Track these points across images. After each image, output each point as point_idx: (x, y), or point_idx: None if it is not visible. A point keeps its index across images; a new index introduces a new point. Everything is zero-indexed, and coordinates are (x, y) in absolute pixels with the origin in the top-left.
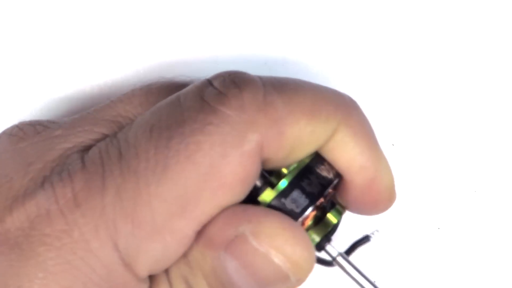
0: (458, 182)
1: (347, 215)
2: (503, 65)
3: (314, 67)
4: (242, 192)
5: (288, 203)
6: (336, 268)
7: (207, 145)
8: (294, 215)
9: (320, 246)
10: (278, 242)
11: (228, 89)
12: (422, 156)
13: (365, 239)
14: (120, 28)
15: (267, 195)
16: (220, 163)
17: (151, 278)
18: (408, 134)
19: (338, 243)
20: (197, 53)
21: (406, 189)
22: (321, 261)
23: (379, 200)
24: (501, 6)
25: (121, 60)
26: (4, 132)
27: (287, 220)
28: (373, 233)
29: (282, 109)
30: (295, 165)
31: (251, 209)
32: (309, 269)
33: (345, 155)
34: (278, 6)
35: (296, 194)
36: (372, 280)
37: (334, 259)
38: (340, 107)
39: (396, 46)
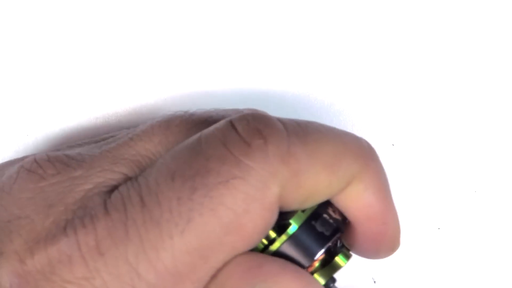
0: (458, 182)
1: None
2: (503, 65)
3: (314, 67)
4: (258, 240)
5: (298, 248)
6: None
7: (231, 199)
8: (307, 259)
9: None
10: None
11: (252, 138)
12: (422, 156)
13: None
14: (130, 57)
15: (278, 241)
16: (243, 217)
17: None
18: (408, 134)
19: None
20: (212, 86)
21: (406, 189)
22: None
23: (382, 248)
24: (501, 6)
25: (136, 89)
26: (23, 167)
27: (304, 279)
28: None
29: (304, 161)
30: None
31: (267, 265)
32: None
33: (356, 204)
34: (281, 15)
35: (307, 238)
36: None
37: None
38: (359, 159)
39: (396, 46)
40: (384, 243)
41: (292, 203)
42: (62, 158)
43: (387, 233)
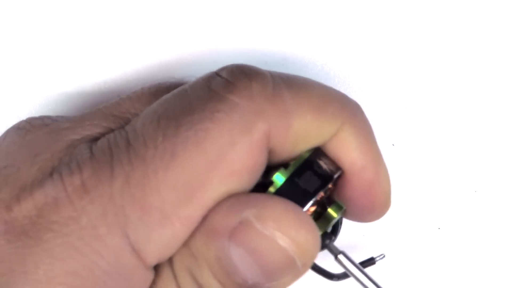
0: (458, 182)
1: (350, 226)
2: (503, 65)
3: (314, 67)
4: (249, 180)
5: (290, 194)
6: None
7: (216, 132)
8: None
9: (321, 243)
10: (283, 225)
11: (237, 78)
12: (422, 156)
13: (370, 261)
14: (128, 27)
15: (270, 188)
16: (228, 151)
17: (156, 271)
18: (408, 134)
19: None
20: (206, 54)
21: (406, 189)
22: (322, 272)
23: (376, 204)
24: (501, 6)
25: (130, 58)
26: (13, 127)
27: (291, 204)
28: (379, 257)
29: (290, 101)
30: (296, 159)
31: (254, 195)
32: (315, 253)
33: (347, 154)
34: (279, 5)
35: (298, 186)
36: (375, 279)
37: (335, 257)
38: (346, 107)
39: (396, 46)
40: (377, 197)
41: (283, 147)
42: (51, 116)
43: (379, 185)
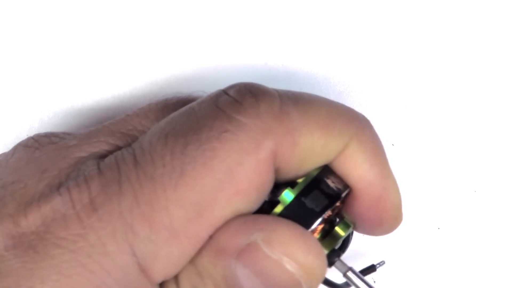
0: (458, 182)
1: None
2: (503, 65)
3: (314, 67)
4: (256, 199)
5: (297, 213)
6: None
7: (223, 152)
8: (304, 225)
9: (329, 261)
10: (290, 249)
11: (244, 98)
12: (422, 156)
13: (370, 269)
14: (134, 42)
15: (277, 207)
16: (236, 170)
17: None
18: (408, 134)
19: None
20: (213, 68)
21: (406, 189)
22: (329, 284)
23: (385, 218)
24: (501, 6)
25: (136, 73)
26: (20, 144)
27: (299, 228)
28: (379, 264)
29: (297, 119)
30: (303, 178)
31: (262, 217)
32: (321, 276)
33: (354, 170)
34: (279, 8)
35: (305, 205)
36: None
37: (344, 274)
38: (354, 122)
39: (396, 46)
40: (386, 212)
41: (290, 165)
42: (58, 134)
43: (388, 200)
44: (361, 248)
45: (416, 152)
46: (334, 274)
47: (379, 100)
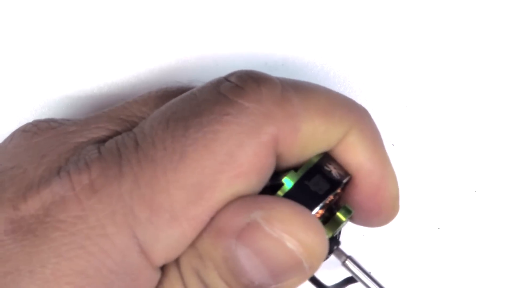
0: (458, 182)
1: (350, 226)
2: (503, 65)
3: (314, 68)
4: (257, 182)
5: (300, 195)
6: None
7: (225, 134)
8: (308, 207)
9: (329, 248)
10: (291, 227)
11: (246, 83)
12: (422, 156)
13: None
14: (134, 31)
15: (280, 190)
16: (237, 152)
17: (162, 271)
18: (408, 134)
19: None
20: (209, 56)
21: (406, 189)
22: (315, 282)
23: (383, 208)
24: (501, 6)
25: (136, 62)
26: (18, 129)
27: (299, 206)
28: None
29: (298, 105)
30: (305, 163)
31: (262, 197)
32: (322, 255)
33: (355, 158)
34: (279, 8)
35: (308, 188)
36: (382, 284)
37: (343, 262)
38: (353, 111)
39: (396, 46)
40: (384, 201)
41: (291, 151)
42: (56, 119)
43: (386, 189)
44: (361, 248)
45: (416, 152)
46: (331, 274)
47: (379, 100)
